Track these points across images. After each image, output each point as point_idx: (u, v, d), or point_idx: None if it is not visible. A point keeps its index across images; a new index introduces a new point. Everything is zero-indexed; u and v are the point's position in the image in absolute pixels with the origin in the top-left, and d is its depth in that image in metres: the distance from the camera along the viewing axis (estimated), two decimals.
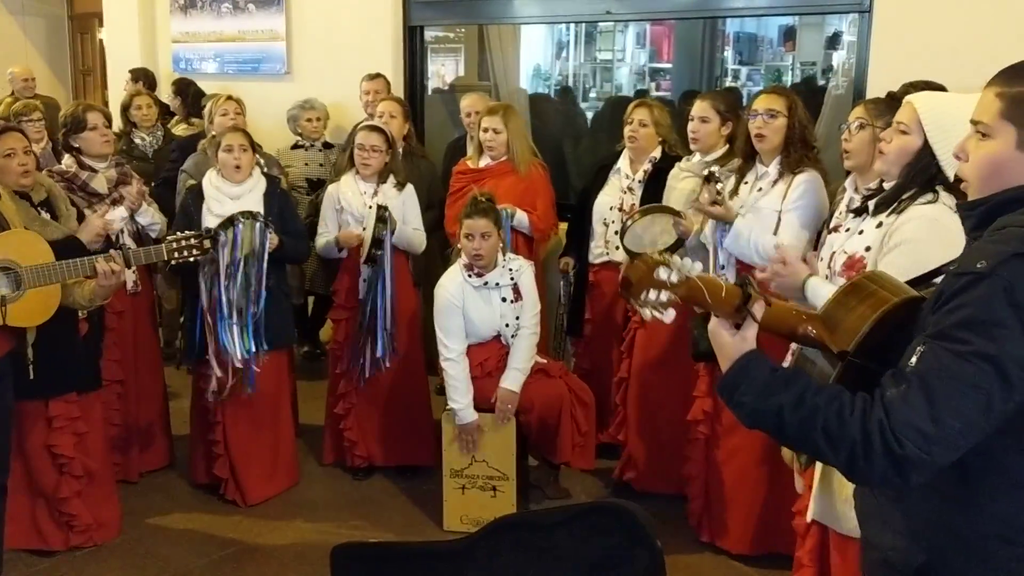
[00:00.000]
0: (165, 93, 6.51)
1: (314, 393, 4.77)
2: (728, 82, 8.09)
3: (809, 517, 2.57)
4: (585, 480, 4.22)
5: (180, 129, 5.97)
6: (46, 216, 3.44)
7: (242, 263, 3.75)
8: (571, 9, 5.50)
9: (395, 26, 5.81)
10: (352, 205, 4.22)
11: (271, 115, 5.73)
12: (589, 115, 7.46)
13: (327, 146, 5.51)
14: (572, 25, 8.08)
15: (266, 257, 3.80)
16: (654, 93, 8.31)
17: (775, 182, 3.46)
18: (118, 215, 3.92)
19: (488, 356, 3.87)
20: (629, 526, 2.67)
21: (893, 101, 3.16)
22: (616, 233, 4.14)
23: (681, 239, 3.72)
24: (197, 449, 4.21)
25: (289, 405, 4.35)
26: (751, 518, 3.58)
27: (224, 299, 3.77)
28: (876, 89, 4.00)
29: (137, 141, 5.56)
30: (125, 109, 5.63)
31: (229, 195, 4.00)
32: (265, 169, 4.42)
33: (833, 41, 7.12)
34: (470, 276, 3.83)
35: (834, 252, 2.70)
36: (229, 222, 3.72)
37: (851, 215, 2.74)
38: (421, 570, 2.82)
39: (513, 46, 6.59)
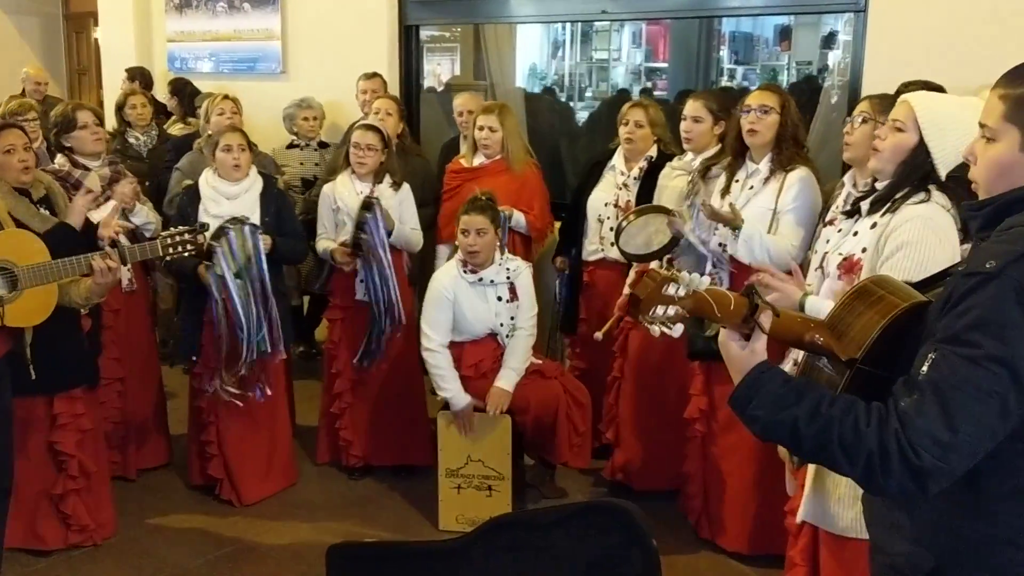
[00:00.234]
0: (161, 92, 6.50)
1: (309, 393, 4.76)
2: (724, 81, 8.10)
3: (800, 518, 2.56)
4: (581, 479, 4.23)
5: (176, 129, 5.96)
6: (45, 213, 3.44)
7: (244, 271, 3.76)
8: (566, 8, 5.50)
9: (391, 25, 5.81)
10: (348, 205, 4.21)
11: (266, 114, 5.72)
12: (582, 115, 7.47)
13: (323, 145, 5.50)
14: (568, 24, 8.08)
15: (263, 258, 3.80)
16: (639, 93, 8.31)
17: (766, 180, 3.46)
18: (108, 211, 3.90)
19: (483, 357, 3.87)
20: (625, 525, 2.67)
21: (897, 97, 3.17)
22: (611, 229, 4.14)
23: (676, 238, 3.72)
24: (193, 449, 4.21)
25: (285, 405, 4.35)
26: (748, 516, 3.58)
27: (239, 308, 3.78)
28: (871, 88, 4.00)
29: (132, 140, 5.54)
30: (120, 108, 5.62)
31: (226, 195, 3.99)
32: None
33: (829, 40, 7.12)
34: (465, 272, 3.84)
35: (827, 253, 2.70)
36: (220, 233, 3.71)
37: (843, 216, 2.74)
38: (417, 570, 2.81)
39: (509, 45, 6.59)
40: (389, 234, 4.15)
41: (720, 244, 3.54)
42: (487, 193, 3.92)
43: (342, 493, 4.24)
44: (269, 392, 3.96)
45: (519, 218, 4.45)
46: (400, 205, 4.28)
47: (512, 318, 3.88)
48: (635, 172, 4.17)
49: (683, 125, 3.90)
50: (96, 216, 3.76)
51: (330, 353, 4.40)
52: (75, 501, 3.63)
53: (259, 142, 4.33)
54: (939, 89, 3.49)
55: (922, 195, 2.43)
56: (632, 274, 3.97)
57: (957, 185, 2.49)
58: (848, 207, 3.15)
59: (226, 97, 4.93)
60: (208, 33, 6.69)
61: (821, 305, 2.46)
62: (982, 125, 1.60)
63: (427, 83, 6.42)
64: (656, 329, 1.61)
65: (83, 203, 3.50)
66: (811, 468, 2.49)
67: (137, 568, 3.60)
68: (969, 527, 1.54)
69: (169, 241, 3.21)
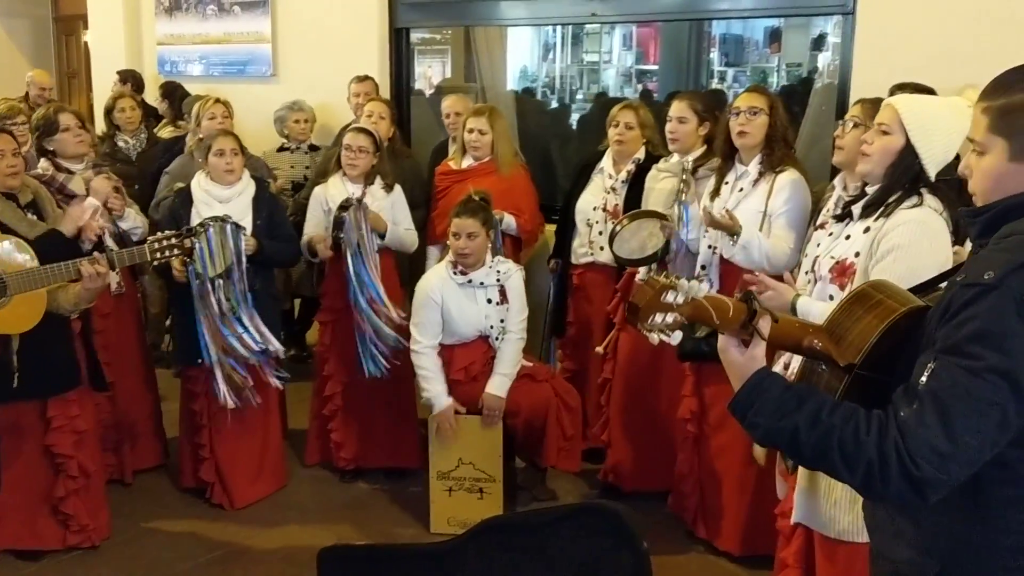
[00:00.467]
0: (151, 96, 6.48)
1: (300, 396, 4.76)
2: (714, 83, 8.13)
3: (794, 520, 2.56)
4: (572, 481, 4.23)
5: (166, 132, 5.95)
6: (33, 218, 3.43)
7: (226, 272, 3.75)
8: (557, 11, 5.51)
9: (381, 28, 5.81)
10: (338, 205, 4.22)
11: (257, 117, 5.71)
12: (573, 116, 7.48)
13: (313, 148, 5.50)
14: (559, 27, 8.10)
15: (244, 258, 3.79)
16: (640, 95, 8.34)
17: (756, 182, 3.48)
18: (88, 206, 3.88)
19: (474, 360, 3.87)
20: (615, 527, 2.67)
21: None
22: (600, 233, 4.16)
23: (669, 241, 3.74)
24: (185, 453, 4.20)
25: (276, 409, 4.34)
26: (740, 517, 3.59)
27: (220, 308, 3.77)
28: (860, 89, 4.03)
29: (121, 144, 5.53)
30: (108, 112, 5.60)
31: (219, 198, 3.99)
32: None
33: (818, 43, 7.16)
34: (455, 273, 3.84)
35: (819, 256, 2.70)
36: (200, 228, 3.69)
37: (833, 220, 2.74)
38: (408, 572, 2.81)
39: (500, 48, 6.60)
40: (382, 236, 4.15)
41: (709, 246, 3.56)
42: (481, 193, 3.92)
43: (333, 496, 4.24)
44: (259, 400, 3.95)
45: (509, 221, 4.45)
46: (393, 206, 4.28)
47: (502, 321, 3.89)
48: (623, 176, 4.18)
49: (668, 126, 3.92)
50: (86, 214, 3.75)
51: (321, 356, 4.40)
52: (75, 502, 3.62)
53: (250, 145, 4.33)
54: (930, 91, 3.51)
55: (915, 199, 2.44)
56: (630, 279, 3.97)
57: (947, 187, 2.51)
58: (839, 211, 3.18)
59: (217, 101, 4.92)
60: (198, 36, 6.68)
61: (812, 306, 2.47)
62: (971, 139, 1.62)
63: (418, 85, 6.43)
64: (655, 337, 1.61)
65: (78, 214, 3.49)
66: (802, 470, 2.48)
67: (128, 572, 3.59)
68: (973, 533, 1.53)
69: (157, 246, 3.20)
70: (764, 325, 1.62)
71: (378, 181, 4.28)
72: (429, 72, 6.91)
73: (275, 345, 3.91)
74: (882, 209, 2.47)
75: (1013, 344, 1.41)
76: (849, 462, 1.47)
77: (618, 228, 3.79)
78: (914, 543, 1.62)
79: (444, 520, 3.85)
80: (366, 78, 5.47)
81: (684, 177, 3.79)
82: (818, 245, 3.18)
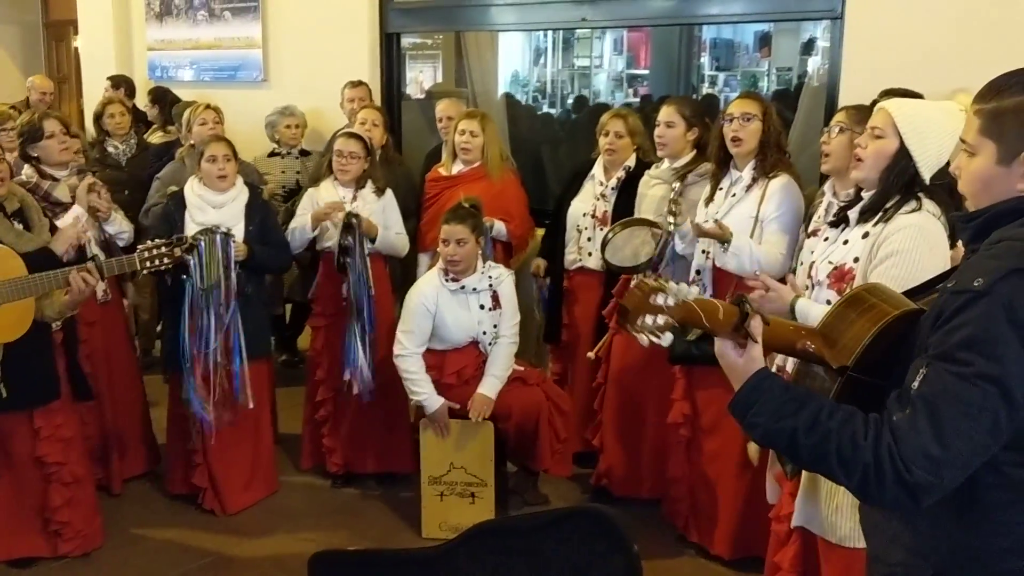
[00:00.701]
0: (141, 101, 6.47)
1: (293, 401, 4.75)
2: (705, 88, 8.16)
3: (795, 523, 2.54)
4: (564, 486, 4.23)
5: (156, 137, 5.94)
6: (19, 227, 3.40)
7: (216, 285, 3.76)
8: (547, 16, 5.51)
9: (372, 33, 5.81)
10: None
11: (248, 123, 5.71)
12: (565, 121, 7.49)
13: (304, 153, 5.50)
14: (550, 32, 8.11)
15: (233, 267, 3.79)
16: (631, 99, 8.35)
17: (749, 187, 3.49)
18: (70, 216, 3.87)
19: (465, 364, 3.88)
20: (607, 531, 2.67)
21: (873, 107, 3.20)
22: (589, 240, 4.16)
23: (662, 249, 3.74)
24: (174, 459, 4.18)
25: (269, 414, 4.33)
26: (732, 520, 3.59)
27: (205, 321, 3.78)
28: (849, 93, 4.05)
29: (111, 149, 5.51)
30: (98, 118, 5.59)
31: (212, 204, 3.98)
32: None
33: (808, 47, 7.19)
34: (447, 280, 3.84)
35: (815, 261, 2.70)
36: (192, 246, 3.70)
37: (829, 225, 2.73)
38: None
39: (491, 53, 6.60)
40: (373, 241, 4.15)
41: (703, 251, 3.56)
42: (471, 200, 3.92)
43: (324, 501, 4.23)
44: (251, 405, 3.94)
45: (500, 227, 4.46)
46: (384, 211, 4.28)
47: (495, 326, 3.89)
48: (613, 183, 4.19)
49: (656, 130, 3.94)
50: (60, 223, 3.73)
51: (313, 361, 4.39)
52: (68, 510, 3.60)
53: (241, 150, 4.32)
54: (918, 96, 3.52)
55: (913, 203, 2.44)
56: (626, 284, 3.98)
57: (941, 190, 2.52)
58: (835, 216, 3.18)
59: (208, 106, 4.92)
60: (189, 41, 6.67)
61: (811, 308, 2.47)
62: (962, 140, 1.64)
63: (409, 91, 6.43)
64: (644, 338, 1.62)
65: (73, 235, 3.49)
66: (804, 474, 2.48)
67: None
68: (967, 537, 1.55)
69: (147, 255, 3.18)
70: (756, 327, 1.63)
71: (369, 185, 4.29)
72: (420, 77, 6.91)
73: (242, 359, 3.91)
74: (881, 214, 2.47)
75: (1003, 350, 1.42)
76: (846, 466, 1.48)
77: (610, 236, 3.80)
78: (909, 546, 1.62)
79: (436, 525, 3.85)
80: (360, 83, 5.47)
81: (676, 191, 3.80)
82: (811, 252, 3.20)
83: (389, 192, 4.34)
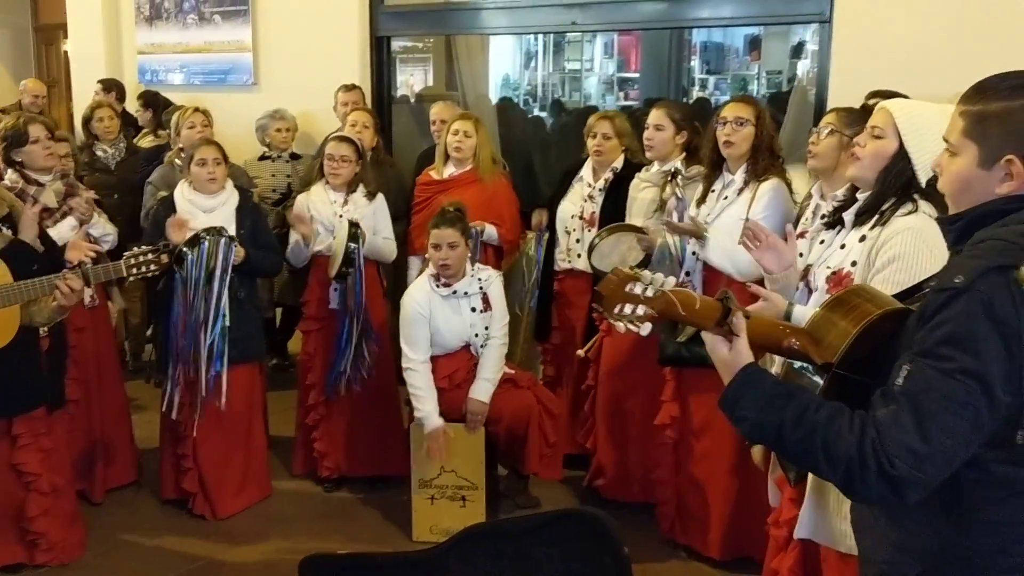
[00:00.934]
0: (131, 104, 6.45)
1: (283, 405, 4.74)
2: (695, 91, 8.18)
3: (800, 535, 2.51)
4: (555, 488, 4.22)
5: (147, 141, 5.93)
6: (8, 232, 3.39)
7: (205, 280, 3.75)
8: (537, 20, 5.53)
9: (362, 36, 5.81)
10: (322, 214, 4.22)
11: (238, 126, 5.70)
12: (555, 125, 7.49)
13: (294, 157, 5.49)
14: (540, 35, 8.13)
15: (229, 271, 3.80)
16: (622, 103, 8.37)
17: (740, 190, 3.50)
18: (67, 226, 3.86)
19: (457, 368, 3.87)
20: (597, 533, 2.68)
21: (864, 111, 3.22)
22: (578, 241, 4.17)
23: (649, 254, 3.75)
24: (166, 464, 4.16)
25: (261, 418, 4.31)
26: (721, 522, 3.60)
27: (192, 317, 3.78)
28: (837, 96, 4.07)
29: (99, 153, 5.50)
30: (87, 122, 5.57)
31: (202, 208, 3.98)
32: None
33: (797, 50, 7.22)
34: (438, 286, 3.84)
35: (812, 266, 2.69)
36: (195, 240, 3.71)
37: (824, 228, 2.70)
38: None
39: (481, 56, 6.61)
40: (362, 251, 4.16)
41: (693, 253, 3.58)
42: (456, 204, 3.92)
43: (315, 505, 4.22)
44: (222, 406, 3.92)
45: (491, 232, 4.46)
46: (374, 215, 4.29)
47: (486, 328, 3.89)
48: (600, 184, 4.20)
49: (645, 133, 3.95)
50: (55, 233, 3.72)
51: (304, 365, 4.38)
52: (45, 521, 3.55)
53: (231, 154, 4.32)
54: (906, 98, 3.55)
55: (910, 206, 2.41)
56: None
57: (939, 193, 2.51)
58: (830, 218, 3.19)
59: (196, 110, 4.91)
60: (179, 45, 6.66)
61: (806, 314, 2.45)
62: (946, 140, 1.65)
63: (400, 94, 6.43)
64: (622, 326, 1.65)
65: (32, 216, 3.44)
66: (811, 484, 2.45)
67: None
68: (953, 534, 1.56)
69: (133, 261, 3.16)
70: (739, 322, 1.66)
71: (360, 189, 4.29)
72: (411, 81, 6.91)
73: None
74: (877, 217, 2.44)
75: (983, 346, 1.44)
76: (831, 460, 1.51)
77: (596, 241, 3.81)
78: (897, 544, 1.64)
79: (427, 528, 3.85)
80: (354, 87, 5.48)
81: (669, 191, 3.80)
82: (800, 254, 3.20)
83: (380, 197, 4.34)
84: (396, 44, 6.16)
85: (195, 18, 6.54)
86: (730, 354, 1.66)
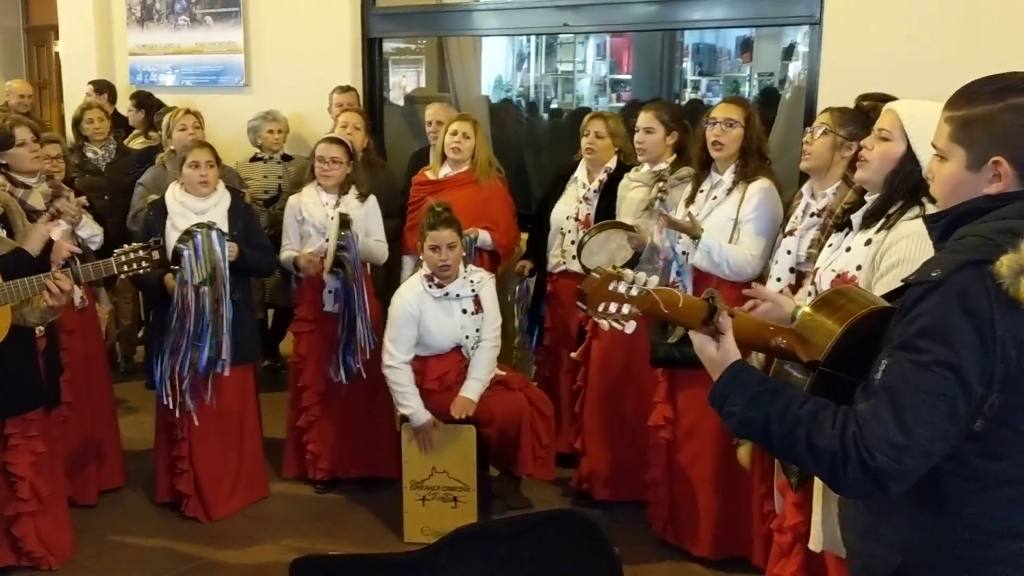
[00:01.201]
0: (123, 106, 6.44)
1: (275, 407, 4.73)
2: (688, 93, 8.19)
3: (816, 547, 2.49)
4: (546, 489, 4.23)
5: (138, 143, 5.92)
6: (1, 233, 3.38)
7: (210, 280, 3.76)
8: (529, 21, 5.54)
9: (354, 38, 5.81)
10: (313, 216, 4.22)
11: (230, 127, 5.69)
12: (548, 126, 7.50)
13: (286, 158, 5.49)
14: (533, 37, 8.13)
15: (227, 266, 3.79)
16: (614, 104, 8.37)
17: (729, 191, 3.51)
18: (59, 230, 3.84)
19: (448, 369, 3.88)
20: (588, 534, 2.68)
21: (858, 111, 3.23)
22: (572, 243, 4.18)
23: (637, 253, 3.76)
24: (160, 466, 4.15)
25: (255, 419, 4.31)
26: (712, 522, 3.61)
27: (193, 317, 3.77)
28: (828, 98, 4.07)
29: (89, 155, 5.48)
30: (76, 123, 5.56)
31: (194, 210, 3.97)
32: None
33: (789, 52, 7.23)
34: (431, 287, 3.84)
35: (819, 269, 2.68)
36: (186, 236, 3.70)
37: (835, 229, 2.70)
38: None
39: (474, 58, 6.62)
40: (356, 237, 4.16)
41: (683, 252, 3.58)
42: (443, 204, 3.93)
43: (307, 507, 4.22)
44: (212, 403, 3.93)
45: (485, 237, 4.46)
46: (366, 217, 4.28)
47: (477, 330, 3.89)
48: (595, 185, 4.21)
49: (636, 136, 3.97)
50: (54, 234, 3.70)
51: (296, 367, 4.37)
52: (27, 524, 3.53)
53: (223, 155, 4.31)
54: (894, 100, 3.56)
55: (917, 209, 2.40)
56: None
57: None
58: (810, 217, 3.20)
59: (187, 111, 4.90)
60: (170, 46, 6.65)
61: None
62: (934, 146, 1.68)
63: (393, 95, 6.43)
64: (606, 324, 1.67)
65: (45, 232, 3.44)
66: (818, 494, 2.45)
67: None
68: (934, 527, 1.59)
69: (124, 259, 3.14)
70: (724, 321, 1.69)
71: (352, 191, 4.28)
72: (404, 82, 6.91)
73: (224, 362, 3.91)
74: (883, 220, 2.44)
75: (958, 338, 1.47)
76: (815, 453, 1.54)
77: (586, 239, 3.82)
78: (879, 537, 1.67)
79: (418, 529, 3.84)
80: (348, 88, 5.48)
81: (662, 188, 3.81)
82: (788, 252, 3.22)
83: (372, 198, 4.34)
84: (389, 46, 6.16)
85: (186, 19, 6.53)
86: (717, 353, 1.70)
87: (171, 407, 3.88)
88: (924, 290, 1.52)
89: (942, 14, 3.96)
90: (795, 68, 6.79)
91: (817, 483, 2.40)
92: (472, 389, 3.81)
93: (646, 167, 3.99)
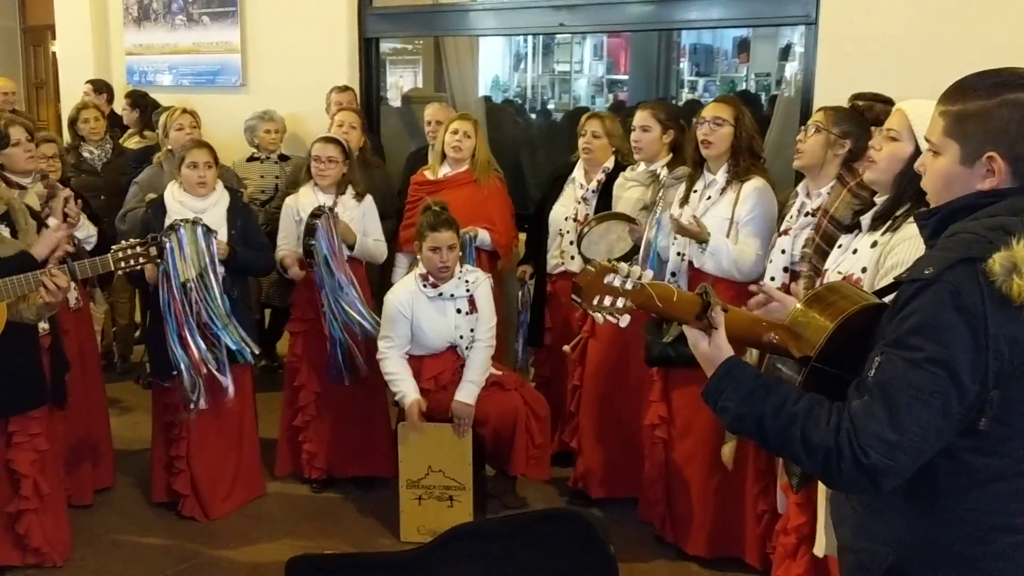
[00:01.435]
0: (119, 105, 6.44)
1: (271, 406, 4.73)
2: (685, 93, 8.20)
3: (820, 552, 2.50)
4: (542, 488, 4.23)
5: (133, 142, 5.91)
6: (4, 232, 3.38)
7: (197, 276, 3.74)
8: (525, 21, 5.54)
9: (351, 38, 5.82)
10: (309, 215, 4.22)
11: (226, 127, 5.69)
12: (544, 126, 7.50)
13: (283, 158, 5.49)
14: (530, 37, 8.14)
15: (217, 261, 3.79)
16: (610, 104, 8.39)
17: (723, 190, 3.52)
18: (63, 232, 3.84)
19: (443, 369, 3.88)
20: (583, 533, 2.69)
21: (852, 110, 3.24)
22: (571, 243, 4.18)
23: (637, 245, 3.77)
24: (157, 466, 4.14)
25: (252, 418, 4.31)
26: (707, 521, 3.61)
27: (186, 311, 3.75)
28: (823, 98, 4.08)
29: (86, 155, 5.48)
30: (72, 123, 5.56)
31: (193, 209, 3.96)
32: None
33: (785, 52, 7.24)
34: (425, 286, 3.84)
35: (827, 270, 2.67)
36: (170, 229, 3.69)
37: (844, 230, 2.69)
38: None
39: (471, 58, 6.62)
40: (351, 247, 4.15)
41: (679, 253, 3.59)
42: (441, 203, 3.93)
43: (303, 506, 4.22)
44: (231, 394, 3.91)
45: (484, 237, 4.46)
46: (364, 216, 4.29)
47: (472, 330, 3.89)
48: (593, 185, 4.22)
49: (632, 135, 3.98)
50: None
51: (292, 366, 4.38)
52: (31, 521, 3.54)
53: (220, 155, 4.31)
54: (888, 101, 3.56)
55: None
56: None
57: None
58: (800, 216, 3.21)
59: (184, 111, 4.91)
60: (167, 46, 6.65)
61: None
62: (927, 140, 1.68)
63: (390, 96, 6.43)
64: (600, 317, 1.67)
65: (56, 239, 3.45)
66: (822, 498, 2.44)
67: None
68: (927, 523, 1.59)
69: (121, 255, 3.14)
70: (718, 316, 1.69)
71: (349, 190, 4.29)
72: (401, 82, 6.92)
73: (251, 349, 3.89)
74: (889, 223, 2.43)
75: (950, 335, 1.47)
76: (809, 450, 1.55)
77: (586, 230, 3.83)
78: (873, 533, 1.67)
79: (414, 529, 3.85)
80: (346, 88, 5.48)
81: (658, 186, 3.82)
82: (782, 252, 3.23)
83: (369, 198, 4.34)
84: (386, 46, 6.17)
85: (183, 19, 6.53)
86: (710, 348, 1.70)
87: (192, 409, 3.85)
88: (917, 288, 1.52)
89: (938, 13, 3.97)
90: (792, 68, 6.80)
91: (821, 485, 2.40)
92: (468, 392, 3.80)
93: (642, 166, 4.00)
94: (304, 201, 4.25)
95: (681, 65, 8.44)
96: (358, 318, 4.05)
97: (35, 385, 3.46)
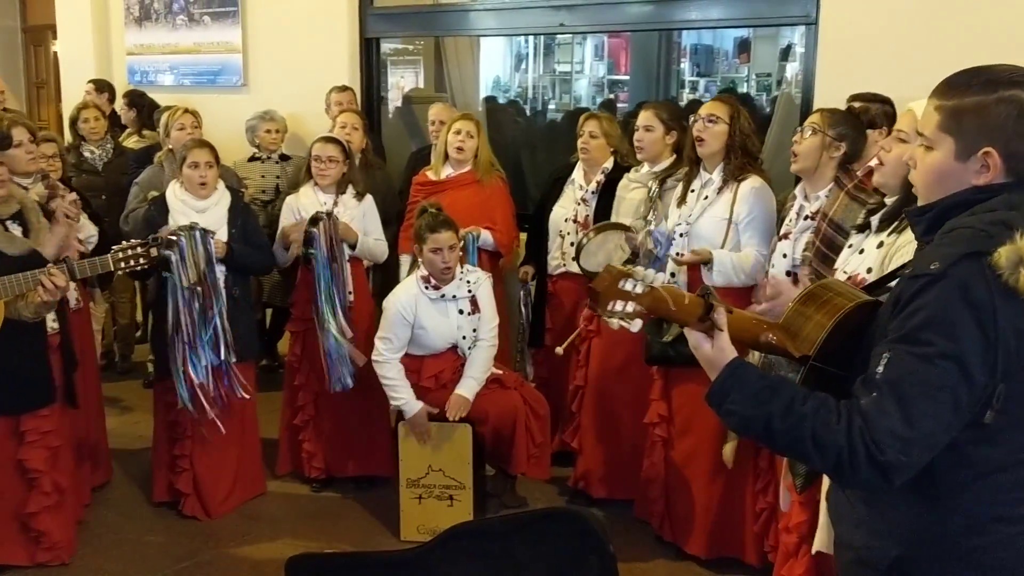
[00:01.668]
0: (119, 104, 6.44)
1: (271, 406, 4.73)
2: (685, 93, 8.20)
3: (819, 549, 2.50)
4: (542, 488, 4.24)
5: (132, 142, 5.92)
6: (15, 230, 3.38)
7: (199, 279, 3.76)
8: (526, 21, 5.55)
9: (351, 38, 5.82)
10: (310, 215, 4.21)
11: (227, 127, 5.69)
12: (545, 126, 7.50)
13: (284, 158, 5.49)
14: (531, 37, 8.14)
15: (215, 262, 3.80)
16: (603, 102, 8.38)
17: (720, 190, 3.52)
18: (72, 231, 3.85)
19: (443, 368, 3.88)
20: (583, 532, 2.68)
21: (849, 112, 3.24)
22: (572, 245, 4.18)
23: (635, 253, 3.77)
24: (159, 465, 4.15)
25: (254, 417, 4.31)
26: (706, 521, 3.62)
27: (187, 318, 3.77)
28: (823, 98, 4.09)
29: (86, 154, 5.49)
30: (73, 123, 5.56)
31: (195, 208, 3.97)
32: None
33: (786, 53, 7.24)
34: (426, 288, 3.84)
35: (836, 270, 2.68)
36: (171, 243, 3.70)
37: (854, 231, 2.68)
38: None
39: (471, 58, 6.63)
40: (352, 247, 4.16)
41: (678, 253, 3.59)
42: (435, 204, 3.93)
43: (303, 505, 4.22)
44: (246, 396, 3.95)
45: (486, 237, 4.46)
46: (364, 216, 4.29)
47: (474, 330, 3.89)
48: (592, 186, 4.22)
49: (635, 135, 3.99)
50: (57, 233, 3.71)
51: (292, 366, 4.38)
52: (47, 518, 3.55)
53: (220, 155, 4.32)
54: (887, 101, 3.57)
55: None
56: None
57: None
58: (801, 220, 3.21)
59: (186, 110, 4.91)
60: (168, 46, 6.65)
61: None
62: (920, 134, 1.67)
63: (391, 96, 6.44)
64: (615, 323, 1.66)
65: (60, 240, 3.46)
66: (829, 498, 2.47)
67: None
68: (928, 516, 1.59)
69: (121, 255, 3.15)
70: (720, 316, 1.68)
71: (350, 190, 4.29)
72: (402, 83, 6.92)
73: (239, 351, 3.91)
74: (896, 224, 2.44)
75: (960, 330, 1.47)
76: (821, 449, 1.53)
77: (584, 241, 3.83)
78: (873, 529, 1.67)
79: (414, 528, 3.85)
80: (346, 88, 5.48)
81: (651, 195, 3.83)
82: (784, 256, 3.23)
83: (369, 198, 4.34)
84: (387, 46, 6.17)
85: (184, 19, 6.54)
86: (713, 350, 1.68)
87: (208, 410, 3.86)
88: (923, 283, 1.51)
89: (938, 13, 3.98)
90: (792, 69, 6.80)
91: (823, 483, 2.40)
92: (467, 387, 3.81)
93: (645, 167, 4.00)
94: (304, 200, 4.25)
95: (682, 65, 8.44)
96: (338, 335, 4.05)
97: (43, 383, 3.48)
